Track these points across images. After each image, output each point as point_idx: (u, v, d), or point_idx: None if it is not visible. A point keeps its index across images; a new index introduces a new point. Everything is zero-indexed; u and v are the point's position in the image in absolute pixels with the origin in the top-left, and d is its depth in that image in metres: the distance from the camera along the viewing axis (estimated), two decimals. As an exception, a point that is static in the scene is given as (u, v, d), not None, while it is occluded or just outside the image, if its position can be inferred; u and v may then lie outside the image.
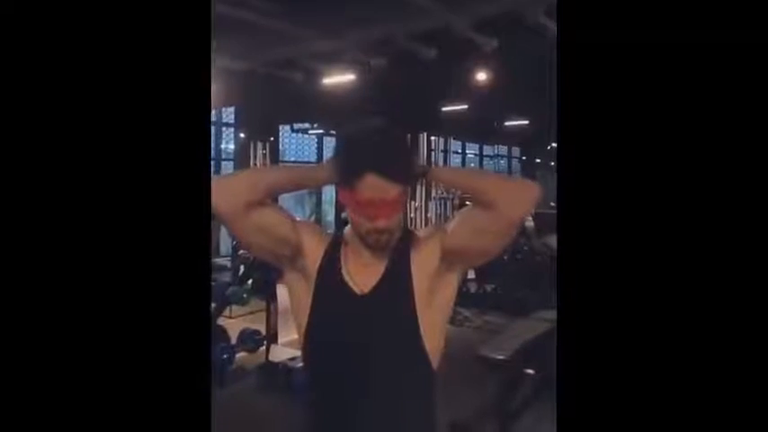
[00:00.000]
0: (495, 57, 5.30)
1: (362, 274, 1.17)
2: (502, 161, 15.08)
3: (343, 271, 1.17)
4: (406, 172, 1.11)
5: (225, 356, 4.08)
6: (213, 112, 7.94)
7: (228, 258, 7.30)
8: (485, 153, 14.29)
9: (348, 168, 1.09)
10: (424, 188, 6.00)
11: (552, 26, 4.23)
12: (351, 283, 1.16)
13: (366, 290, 1.15)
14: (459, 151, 13.15)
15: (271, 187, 1.17)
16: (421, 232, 1.24)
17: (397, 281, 1.15)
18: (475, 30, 4.75)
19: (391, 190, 1.08)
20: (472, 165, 13.52)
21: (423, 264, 1.16)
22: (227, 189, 1.11)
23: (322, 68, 6.01)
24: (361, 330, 1.15)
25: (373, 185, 1.07)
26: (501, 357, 3.06)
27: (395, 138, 1.14)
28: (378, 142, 1.11)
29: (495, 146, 14.27)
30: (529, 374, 3.22)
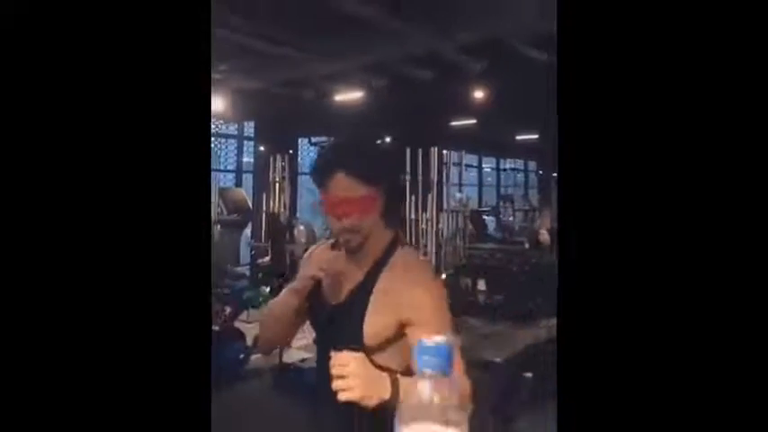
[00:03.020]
0: (485, 77, 5.47)
1: (338, 284, 1.17)
2: (519, 175, 14.95)
3: (324, 281, 1.18)
4: (374, 172, 1.11)
5: (241, 356, 4.21)
6: (235, 126, 8.01)
7: (248, 267, 7.33)
8: (502, 167, 14.20)
9: (321, 170, 1.12)
10: (434, 200, 5.97)
11: (535, 54, 4.51)
12: (326, 292, 1.19)
13: (335, 302, 1.17)
14: (475, 165, 13.11)
15: (288, 326, 1.25)
16: (406, 267, 1.15)
17: (357, 307, 1.12)
18: (463, 53, 4.91)
19: (359, 189, 1.09)
20: (489, 179, 13.46)
21: (380, 311, 1.11)
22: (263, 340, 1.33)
23: (330, 88, 6.22)
24: (328, 340, 1.15)
25: (343, 185, 1.09)
26: (498, 360, 3.12)
27: (363, 140, 1.19)
28: (346, 144, 1.17)
29: (512, 159, 14.16)
30: (527, 377, 3.24)
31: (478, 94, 6.04)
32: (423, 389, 0.44)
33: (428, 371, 0.44)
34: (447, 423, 0.43)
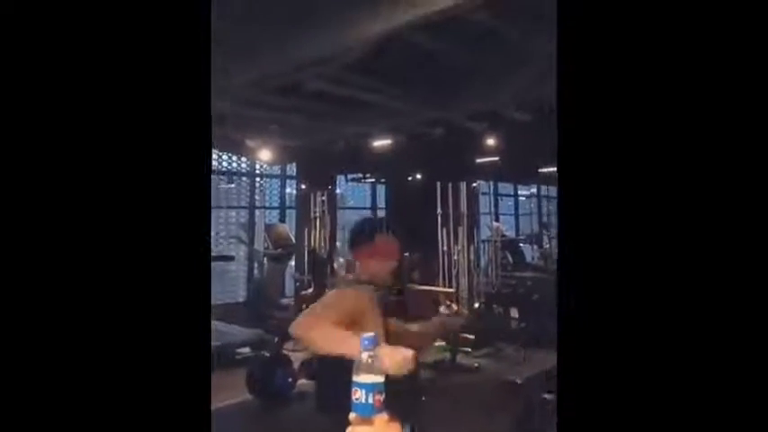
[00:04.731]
0: (492, 131, 5.94)
1: None
2: (553, 204, 14.50)
3: None
4: (366, 251, 1.75)
5: (289, 380, 4.46)
6: (278, 167, 8.17)
7: (292, 299, 7.35)
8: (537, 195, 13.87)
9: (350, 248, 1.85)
10: (465, 232, 5.90)
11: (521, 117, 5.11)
12: None
13: None
14: (512, 194, 12.96)
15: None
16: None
17: None
18: (468, 120, 5.47)
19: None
20: (527, 207, 13.22)
21: None
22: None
23: (359, 140, 6.63)
24: None
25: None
26: (519, 381, 3.26)
27: (366, 231, 1.79)
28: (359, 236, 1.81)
29: (547, 187, 13.85)
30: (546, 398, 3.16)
31: (491, 141, 6.32)
32: (365, 357, 0.78)
33: (366, 347, 0.79)
34: (375, 373, 0.77)
